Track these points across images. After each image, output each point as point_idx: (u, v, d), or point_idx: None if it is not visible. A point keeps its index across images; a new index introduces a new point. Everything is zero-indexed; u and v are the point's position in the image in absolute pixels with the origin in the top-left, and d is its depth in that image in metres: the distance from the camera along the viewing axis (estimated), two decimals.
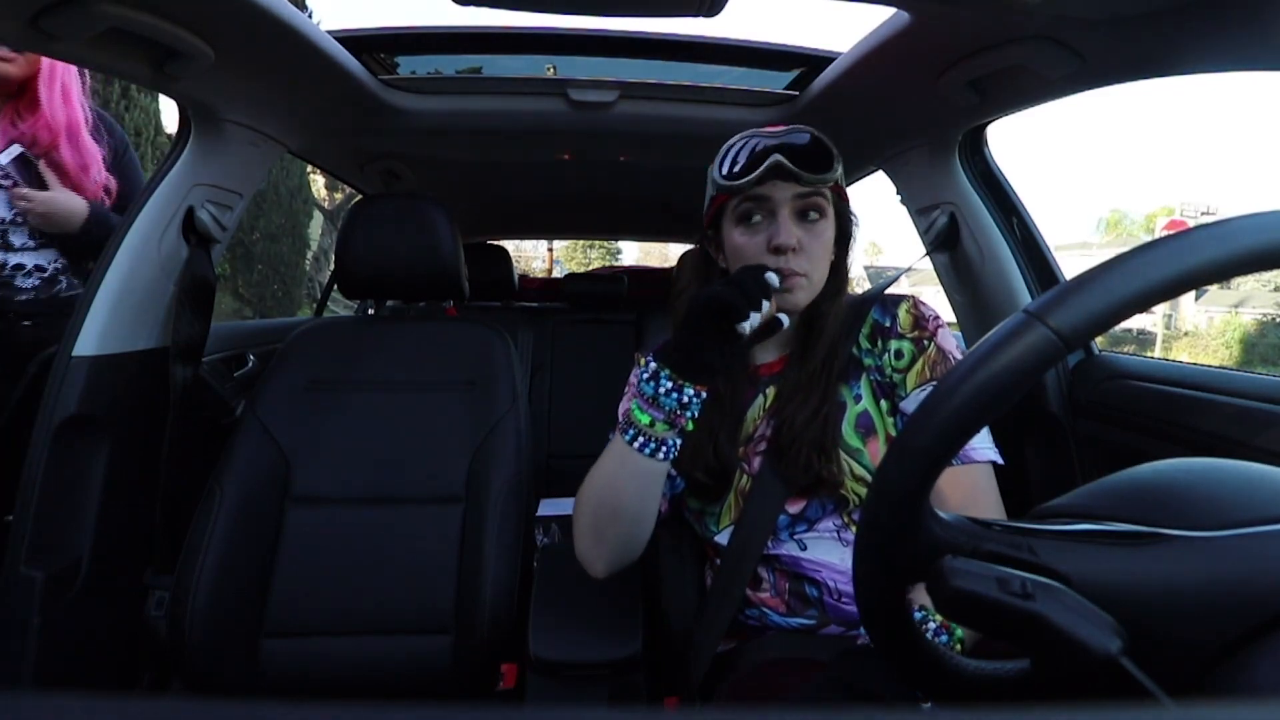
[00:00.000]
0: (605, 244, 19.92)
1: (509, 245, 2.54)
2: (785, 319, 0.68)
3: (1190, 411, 0.78)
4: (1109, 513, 0.38)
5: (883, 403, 0.78)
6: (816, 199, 0.73)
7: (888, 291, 0.85)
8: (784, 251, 0.71)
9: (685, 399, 0.65)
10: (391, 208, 1.18)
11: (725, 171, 0.73)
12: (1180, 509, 0.37)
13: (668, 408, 0.65)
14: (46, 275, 1.30)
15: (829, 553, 0.76)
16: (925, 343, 0.77)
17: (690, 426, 0.68)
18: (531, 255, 15.61)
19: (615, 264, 7.68)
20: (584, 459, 2.01)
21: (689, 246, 2.04)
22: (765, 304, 0.64)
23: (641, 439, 0.66)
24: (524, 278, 2.88)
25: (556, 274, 8.47)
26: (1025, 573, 0.35)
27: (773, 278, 0.64)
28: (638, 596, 1.21)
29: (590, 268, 6.52)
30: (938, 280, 1.29)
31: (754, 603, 0.80)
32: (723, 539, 0.79)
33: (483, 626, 0.99)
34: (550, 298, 2.47)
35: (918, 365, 0.77)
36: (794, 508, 0.77)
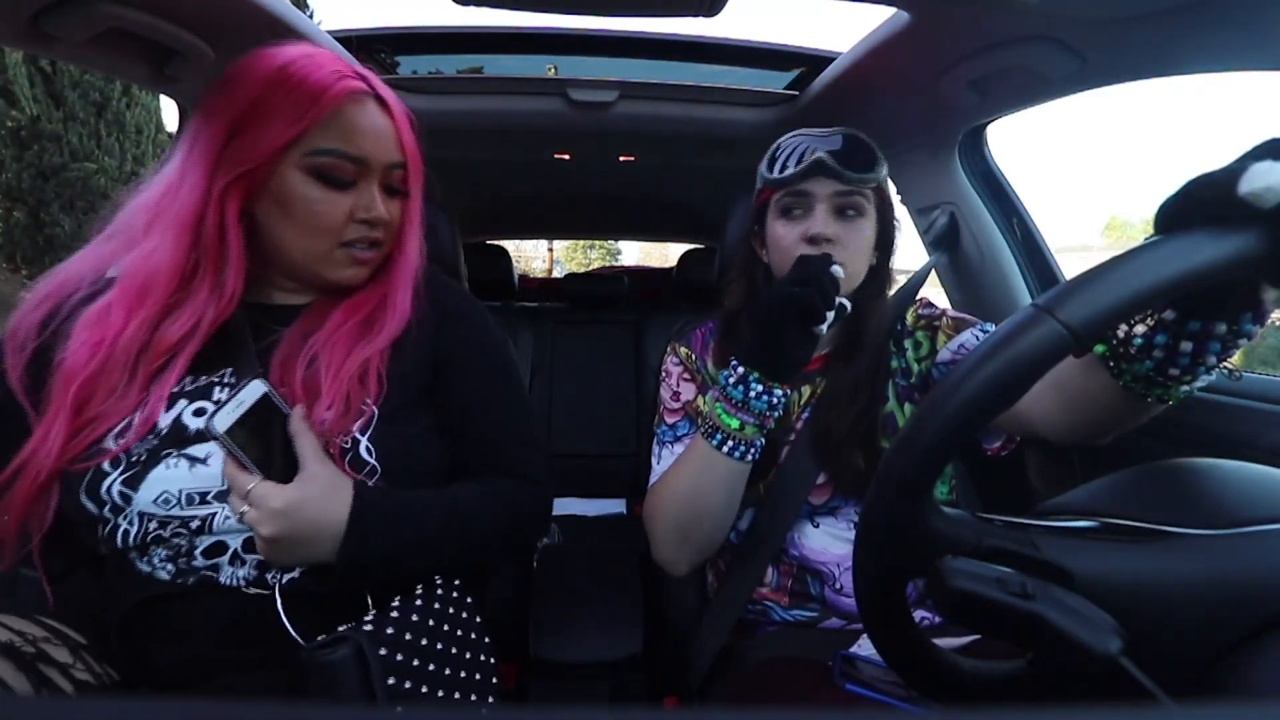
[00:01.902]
0: (605, 244, 19.92)
1: (509, 245, 2.54)
2: (848, 304, 0.70)
3: (1191, 411, 0.78)
4: (1112, 510, 0.38)
5: (906, 405, 0.80)
6: (855, 198, 0.75)
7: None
8: (818, 242, 0.74)
9: (774, 400, 0.67)
10: None
11: (772, 168, 0.77)
12: (1183, 507, 0.37)
13: (758, 410, 0.67)
14: None
15: (835, 543, 0.77)
16: (936, 322, 0.80)
17: (774, 426, 0.70)
18: (531, 255, 15.59)
19: (615, 264, 7.68)
20: (584, 459, 1.99)
21: (689, 246, 2.05)
22: (837, 298, 0.66)
23: (731, 443, 0.68)
24: (524, 278, 2.88)
25: (556, 274, 8.47)
26: (1028, 568, 0.35)
27: (838, 270, 0.67)
28: (638, 596, 1.21)
29: (590, 268, 6.52)
30: (938, 280, 1.29)
31: (756, 597, 0.80)
32: (742, 523, 0.80)
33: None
34: (550, 298, 2.47)
35: (940, 338, 0.79)
36: (818, 499, 0.78)
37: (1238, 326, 0.44)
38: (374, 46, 1.16)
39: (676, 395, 0.84)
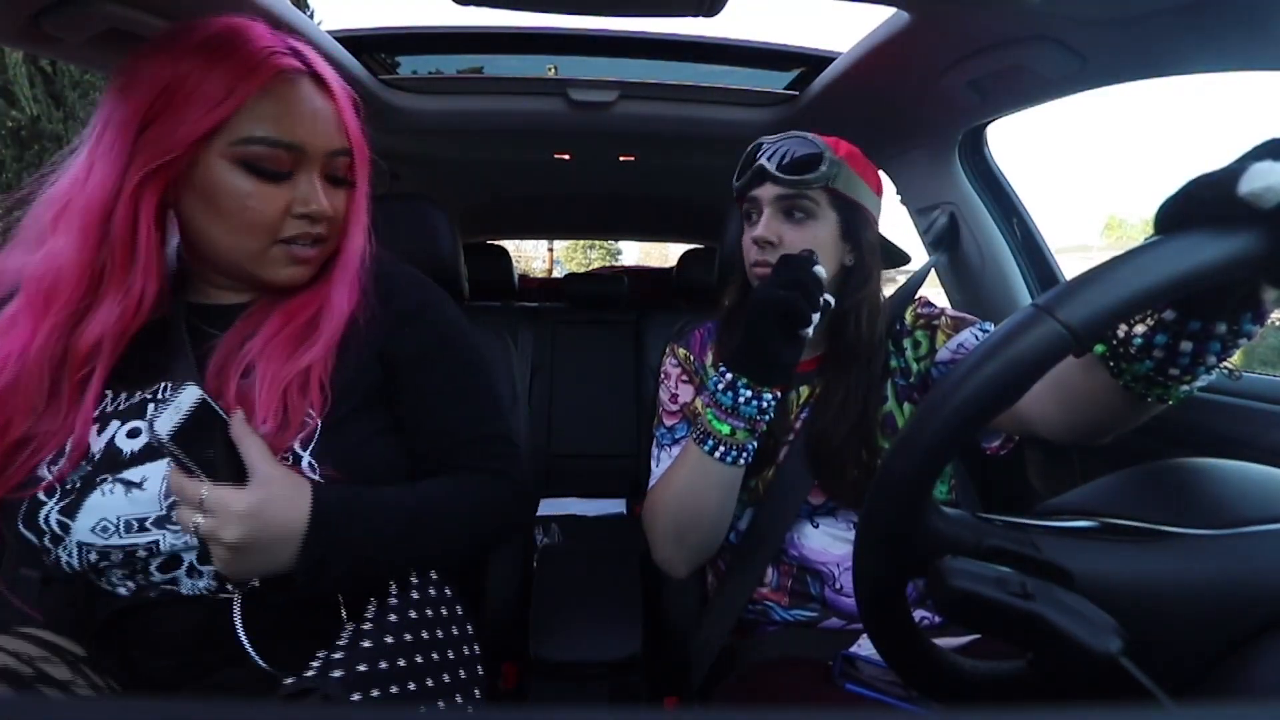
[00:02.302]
0: (605, 244, 19.92)
1: (509, 245, 2.54)
2: (832, 299, 0.70)
3: (1191, 411, 0.78)
4: (1112, 510, 0.38)
5: (905, 405, 0.80)
6: (800, 200, 0.75)
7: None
8: (760, 245, 0.76)
9: (764, 404, 0.67)
10: (391, 209, 1.17)
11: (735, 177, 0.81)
12: (1183, 507, 0.37)
13: (748, 415, 0.67)
14: None
15: (835, 543, 0.77)
16: (935, 321, 0.80)
17: (765, 429, 0.70)
18: (531, 255, 15.57)
19: (615, 264, 7.68)
20: (584, 459, 1.99)
21: (689, 246, 2.05)
22: (822, 298, 0.66)
23: (723, 448, 0.68)
24: (524, 278, 2.88)
25: (556, 274, 8.46)
26: (1028, 568, 0.35)
27: (821, 270, 0.67)
28: (638, 596, 1.21)
29: (590, 268, 6.52)
30: (938, 280, 1.29)
31: (756, 597, 0.80)
32: (742, 523, 0.80)
33: (483, 626, 0.99)
34: (550, 298, 2.48)
35: (939, 337, 0.79)
36: (817, 499, 0.78)
37: (1238, 326, 0.44)
38: (374, 47, 1.16)
39: (675, 397, 0.84)
